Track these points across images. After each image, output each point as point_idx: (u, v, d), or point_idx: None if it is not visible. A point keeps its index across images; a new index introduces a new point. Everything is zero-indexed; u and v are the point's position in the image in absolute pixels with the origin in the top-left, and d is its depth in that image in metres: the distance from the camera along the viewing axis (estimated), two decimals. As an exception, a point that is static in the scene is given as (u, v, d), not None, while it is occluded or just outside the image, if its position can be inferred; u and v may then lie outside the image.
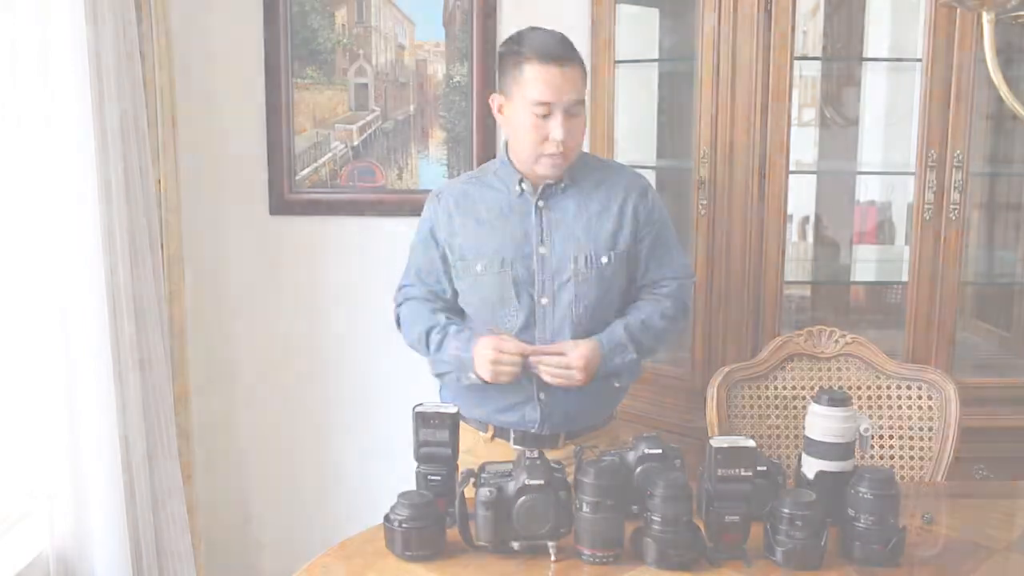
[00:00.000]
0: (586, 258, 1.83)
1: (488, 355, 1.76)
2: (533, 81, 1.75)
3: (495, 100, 1.87)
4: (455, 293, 1.93)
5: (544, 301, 1.84)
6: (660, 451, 1.58)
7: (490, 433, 1.91)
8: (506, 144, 1.91)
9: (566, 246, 1.83)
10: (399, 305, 1.99)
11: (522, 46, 1.78)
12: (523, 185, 1.85)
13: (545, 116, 1.75)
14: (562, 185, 1.85)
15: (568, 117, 1.76)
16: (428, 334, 1.88)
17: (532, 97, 1.75)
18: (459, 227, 1.88)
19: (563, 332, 1.83)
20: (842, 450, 1.62)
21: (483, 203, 1.88)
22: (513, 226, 1.85)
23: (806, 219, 2.91)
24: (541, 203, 1.85)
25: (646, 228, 1.88)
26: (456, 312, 1.94)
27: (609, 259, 1.85)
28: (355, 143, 2.70)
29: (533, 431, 1.87)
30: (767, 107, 2.29)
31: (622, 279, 1.89)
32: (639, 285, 1.92)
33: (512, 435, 1.89)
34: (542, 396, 1.85)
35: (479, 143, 2.67)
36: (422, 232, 1.94)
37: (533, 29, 1.82)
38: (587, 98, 1.93)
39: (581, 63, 1.81)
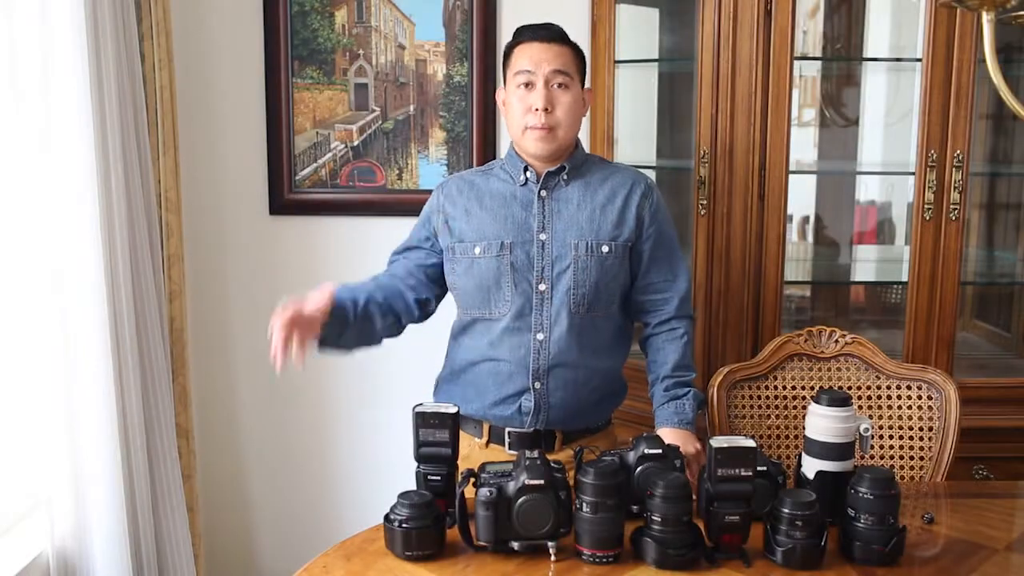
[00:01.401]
0: (587, 245, 1.84)
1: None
2: (518, 57, 1.85)
3: (500, 95, 1.93)
4: (431, 269, 1.94)
5: (542, 288, 1.85)
6: (660, 451, 1.58)
7: (485, 438, 1.91)
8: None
9: (567, 233, 1.85)
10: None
11: (517, 36, 1.88)
12: (528, 174, 1.88)
13: (528, 87, 1.83)
14: (565, 176, 1.87)
15: (552, 90, 1.82)
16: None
17: (515, 69, 1.85)
18: (460, 210, 1.90)
19: (560, 320, 1.83)
20: (842, 450, 1.62)
21: (487, 191, 1.91)
22: (515, 212, 1.87)
23: (806, 219, 2.91)
24: (544, 192, 1.87)
25: (651, 227, 1.89)
26: (424, 285, 1.93)
27: (611, 248, 1.85)
28: (355, 143, 2.70)
29: (528, 430, 1.87)
30: (767, 107, 2.29)
31: (623, 274, 1.89)
32: (639, 287, 1.92)
33: (507, 438, 1.89)
34: (536, 385, 1.85)
35: (479, 143, 2.67)
36: (422, 216, 1.98)
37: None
38: (588, 95, 1.93)
39: (572, 47, 1.88)
